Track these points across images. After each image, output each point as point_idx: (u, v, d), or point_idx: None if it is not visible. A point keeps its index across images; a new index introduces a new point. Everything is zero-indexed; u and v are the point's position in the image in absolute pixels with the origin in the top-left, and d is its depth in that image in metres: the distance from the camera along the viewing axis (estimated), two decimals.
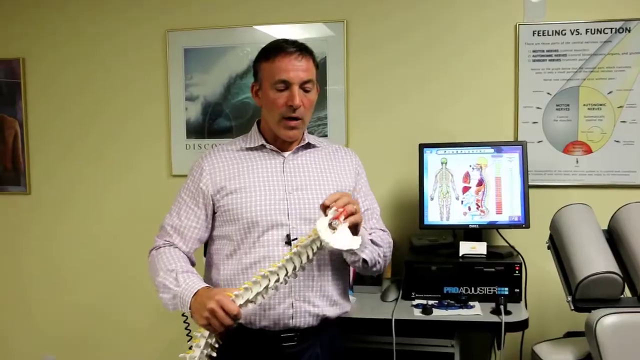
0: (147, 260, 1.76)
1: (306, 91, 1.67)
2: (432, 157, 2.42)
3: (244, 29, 2.75)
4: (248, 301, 1.47)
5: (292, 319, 1.65)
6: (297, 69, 1.64)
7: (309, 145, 1.78)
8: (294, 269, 1.49)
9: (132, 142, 2.92)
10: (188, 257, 1.73)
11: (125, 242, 2.94)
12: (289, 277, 1.49)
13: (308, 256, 1.49)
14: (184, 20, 2.81)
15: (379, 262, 1.72)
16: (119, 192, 2.94)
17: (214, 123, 2.81)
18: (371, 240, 1.70)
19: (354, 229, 1.53)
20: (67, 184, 3.00)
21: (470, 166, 2.40)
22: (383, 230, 1.81)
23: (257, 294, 1.47)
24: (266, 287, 1.48)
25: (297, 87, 1.64)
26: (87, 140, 2.96)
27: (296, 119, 1.66)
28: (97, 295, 2.99)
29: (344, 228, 1.47)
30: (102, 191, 2.96)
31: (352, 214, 1.50)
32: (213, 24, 2.78)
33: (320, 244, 1.47)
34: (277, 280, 1.48)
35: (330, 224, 1.46)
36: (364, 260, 1.66)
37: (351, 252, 1.60)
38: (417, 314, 2.10)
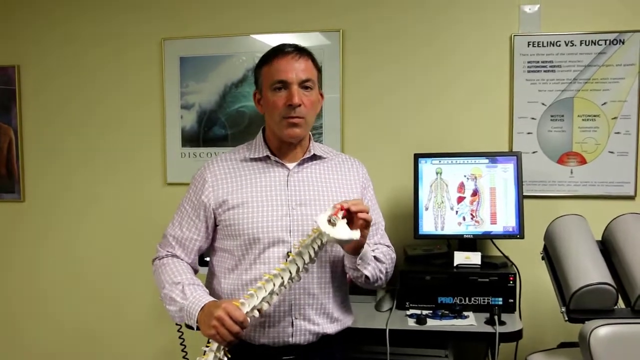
0: (152, 269, 1.76)
1: (306, 90, 1.64)
2: (427, 167, 2.42)
3: (240, 38, 2.75)
4: (254, 308, 1.47)
5: (292, 336, 1.64)
6: (295, 68, 1.63)
7: (314, 157, 1.74)
8: (298, 270, 1.48)
9: (127, 150, 2.91)
10: (191, 267, 1.74)
11: (120, 249, 2.93)
12: (293, 280, 1.48)
13: (310, 256, 1.48)
14: (179, 29, 2.82)
15: (380, 278, 1.71)
16: (114, 200, 2.93)
17: (209, 131, 2.81)
18: (374, 257, 1.69)
19: (365, 228, 1.53)
20: (62, 192, 2.99)
21: (465, 176, 2.40)
22: (387, 246, 1.79)
23: (263, 299, 1.47)
24: (271, 292, 1.47)
25: (295, 86, 1.62)
26: (82, 147, 2.96)
27: (297, 117, 1.63)
28: (92, 302, 2.98)
29: (342, 224, 1.48)
30: (96, 199, 2.95)
31: (360, 211, 1.50)
32: (209, 32, 2.78)
33: (321, 242, 1.47)
34: (282, 284, 1.47)
35: (329, 220, 1.46)
36: (366, 277, 1.66)
37: (354, 267, 1.62)
38: (411, 323, 2.10)
